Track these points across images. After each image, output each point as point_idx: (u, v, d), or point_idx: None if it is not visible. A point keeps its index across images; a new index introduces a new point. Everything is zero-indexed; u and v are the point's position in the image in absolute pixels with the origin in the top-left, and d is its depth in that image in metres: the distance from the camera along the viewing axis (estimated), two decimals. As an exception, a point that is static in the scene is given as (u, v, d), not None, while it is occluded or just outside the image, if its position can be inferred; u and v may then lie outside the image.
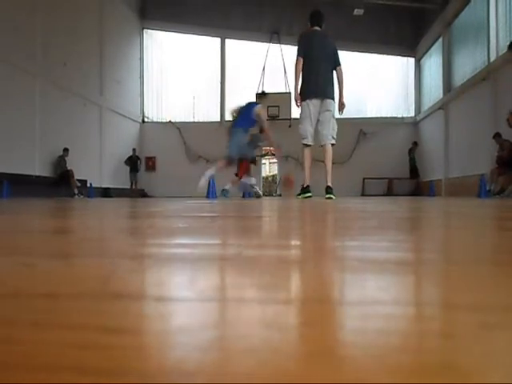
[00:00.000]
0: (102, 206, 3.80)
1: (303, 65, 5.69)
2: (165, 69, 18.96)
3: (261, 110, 7.13)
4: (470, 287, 0.47)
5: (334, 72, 5.92)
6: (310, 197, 5.96)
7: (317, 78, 5.59)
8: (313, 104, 5.66)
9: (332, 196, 5.76)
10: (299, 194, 6.15)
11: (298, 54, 5.71)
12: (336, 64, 5.87)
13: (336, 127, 5.87)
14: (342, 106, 5.91)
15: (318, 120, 5.75)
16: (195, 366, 0.24)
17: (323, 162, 5.73)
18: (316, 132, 5.83)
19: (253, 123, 7.28)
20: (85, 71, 13.90)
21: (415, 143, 17.20)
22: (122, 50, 17.20)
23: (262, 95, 8.45)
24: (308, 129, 5.75)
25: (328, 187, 5.80)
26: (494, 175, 10.19)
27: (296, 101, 5.80)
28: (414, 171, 16.96)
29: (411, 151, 17.20)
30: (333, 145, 5.82)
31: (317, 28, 5.95)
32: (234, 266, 0.60)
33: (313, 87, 5.61)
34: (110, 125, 15.75)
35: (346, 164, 17.79)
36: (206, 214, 2.27)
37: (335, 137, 5.90)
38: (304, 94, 5.67)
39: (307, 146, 5.88)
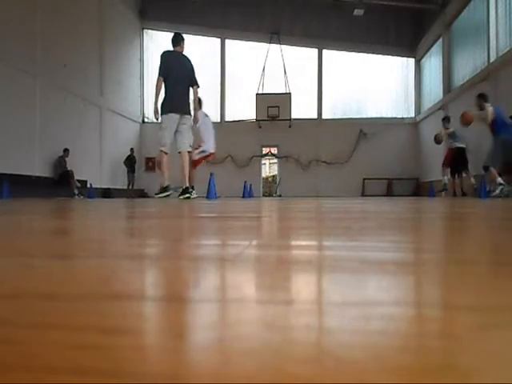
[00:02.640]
0: (102, 207, 3.80)
1: (164, 82, 6.40)
2: (165, 69, 18.98)
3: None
4: (470, 288, 0.47)
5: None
6: (168, 195, 6.63)
7: (176, 96, 6.33)
8: (172, 118, 6.37)
9: (189, 196, 6.52)
10: (158, 194, 6.78)
11: (159, 74, 6.43)
12: (193, 83, 6.59)
13: (192, 138, 6.77)
14: (195, 120, 6.70)
15: (176, 130, 6.50)
16: (195, 367, 0.24)
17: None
18: (175, 141, 6.56)
19: None
20: (85, 72, 13.91)
21: None
22: (122, 50, 17.20)
23: None
24: (167, 139, 6.43)
25: (186, 188, 6.54)
26: (493, 176, 10.18)
27: (155, 114, 6.47)
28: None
29: None
30: (189, 152, 6.70)
31: (177, 49, 6.65)
32: (234, 267, 0.60)
33: (172, 104, 6.33)
34: (110, 125, 15.75)
35: (346, 164, 17.80)
36: (210, 215, 2.27)
37: (192, 145, 6.85)
38: (164, 109, 6.36)
39: (165, 153, 6.52)
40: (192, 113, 6.67)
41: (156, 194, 6.79)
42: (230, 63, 18.62)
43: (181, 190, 6.69)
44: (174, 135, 6.48)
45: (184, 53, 6.84)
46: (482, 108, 8.69)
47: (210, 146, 9.11)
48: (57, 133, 12.29)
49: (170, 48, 6.90)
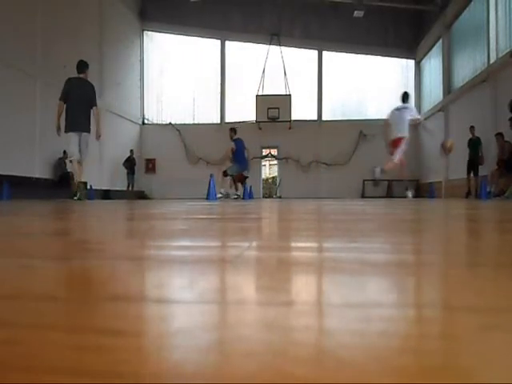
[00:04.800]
0: (102, 208, 3.80)
1: (66, 104, 7.28)
2: (165, 71, 18.97)
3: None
4: (470, 289, 0.47)
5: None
6: (80, 199, 7.51)
7: (74, 117, 7.21)
8: (73, 135, 7.27)
9: (80, 198, 7.34)
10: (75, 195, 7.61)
11: (60, 99, 7.28)
12: (92, 105, 7.43)
13: (89, 149, 7.60)
14: (98, 137, 7.50)
15: (79, 145, 7.43)
16: (195, 368, 0.24)
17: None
18: (80, 153, 7.45)
19: None
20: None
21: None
22: (122, 51, 17.21)
23: None
24: (75, 150, 7.34)
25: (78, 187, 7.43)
26: (494, 177, 10.19)
27: (57, 131, 7.33)
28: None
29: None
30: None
31: (81, 76, 7.57)
32: (234, 268, 0.60)
33: (71, 124, 7.22)
34: (109, 127, 15.74)
35: (346, 166, 17.80)
36: (215, 216, 2.26)
37: (87, 156, 7.67)
38: (65, 128, 7.26)
39: (76, 161, 7.41)
40: (94, 129, 7.57)
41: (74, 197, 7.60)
42: (230, 65, 18.63)
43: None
44: (79, 148, 7.42)
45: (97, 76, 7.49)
46: None
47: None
48: (57, 134, 12.28)
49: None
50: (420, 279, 0.54)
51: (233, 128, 11.63)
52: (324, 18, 17.74)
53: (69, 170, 12.31)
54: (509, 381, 0.22)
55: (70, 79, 7.50)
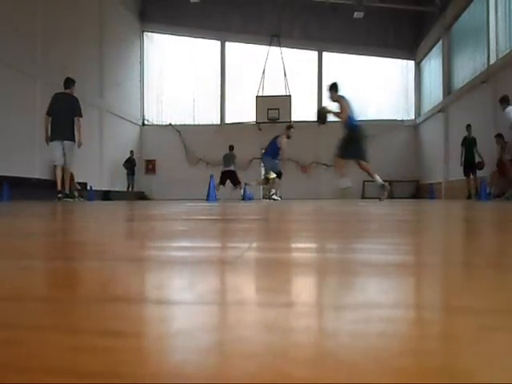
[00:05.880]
0: (102, 209, 3.80)
1: (51, 117, 8.12)
2: (165, 71, 18.98)
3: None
4: (470, 290, 0.47)
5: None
6: (64, 201, 8.20)
7: (57, 128, 8.06)
8: (56, 143, 8.12)
9: (69, 199, 8.15)
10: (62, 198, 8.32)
11: (46, 113, 8.16)
12: (75, 115, 8.14)
13: (76, 156, 8.52)
14: (79, 145, 8.22)
15: (63, 152, 8.23)
16: (194, 369, 0.24)
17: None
18: (65, 159, 8.25)
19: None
20: (85, 74, 13.91)
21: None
22: (122, 52, 17.21)
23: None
24: (57, 155, 8.13)
25: (65, 194, 8.19)
26: (494, 178, 10.17)
27: (46, 141, 8.20)
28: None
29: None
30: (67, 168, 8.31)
31: (67, 91, 8.31)
32: (234, 269, 0.60)
33: (55, 133, 8.07)
34: (110, 127, 15.75)
35: (346, 167, 17.78)
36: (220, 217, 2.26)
37: (74, 161, 8.58)
38: (51, 137, 8.12)
39: (59, 166, 8.20)
40: (76, 138, 8.33)
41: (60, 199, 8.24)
42: (230, 65, 18.64)
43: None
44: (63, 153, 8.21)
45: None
46: None
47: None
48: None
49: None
50: (419, 280, 0.54)
51: (290, 125, 11.57)
52: (324, 18, 17.75)
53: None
54: (508, 381, 0.22)
55: (55, 94, 8.33)
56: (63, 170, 8.33)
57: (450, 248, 0.94)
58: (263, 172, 12.20)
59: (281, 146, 11.01)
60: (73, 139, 8.22)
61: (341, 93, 7.79)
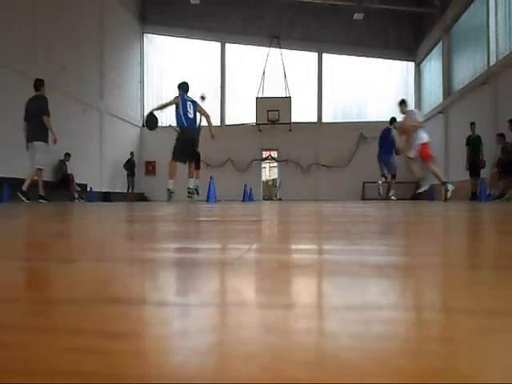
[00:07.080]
0: (102, 211, 3.80)
1: (26, 121, 8.43)
2: (165, 73, 18.99)
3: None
4: (470, 291, 0.47)
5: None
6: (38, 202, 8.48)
7: (28, 129, 8.35)
8: (30, 145, 8.40)
9: (42, 201, 8.36)
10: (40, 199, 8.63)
11: (24, 119, 8.41)
12: (43, 115, 8.30)
13: (50, 156, 8.95)
14: (54, 141, 8.48)
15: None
16: (195, 370, 0.24)
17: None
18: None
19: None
20: (85, 76, 13.92)
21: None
22: (122, 54, 17.23)
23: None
24: (31, 158, 8.36)
25: (39, 196, 8.49)
26: (494, 179, 10.14)
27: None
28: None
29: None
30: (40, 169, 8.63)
31: (37, 93, 8.50)
32: (234, 271, 0.60)
33: (27, 136, 8.41)
34: (110, 129, 15.76)
35: (346, 168, 17.79)
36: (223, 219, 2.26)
37: (43, 163, 8.73)
38: (26, 140, 8.42)
39: (38, 169, 8.54)
40: (50, 138, 8.63)
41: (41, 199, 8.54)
42: (230, 67, 18.65)
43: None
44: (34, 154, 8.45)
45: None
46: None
47: None
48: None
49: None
50: (419, 281, 0.54)
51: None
52: (324, 20, 17.77)
53: (68, 172, 12.36)
54: (508, 382, 0.23)
55: (28, 100, 8.56)
56: (38, 170, 8.57)
57: (449, 249, 0.94)
58: (386, 172, 12.00)
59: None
60: (43, 139, 8.43)
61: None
